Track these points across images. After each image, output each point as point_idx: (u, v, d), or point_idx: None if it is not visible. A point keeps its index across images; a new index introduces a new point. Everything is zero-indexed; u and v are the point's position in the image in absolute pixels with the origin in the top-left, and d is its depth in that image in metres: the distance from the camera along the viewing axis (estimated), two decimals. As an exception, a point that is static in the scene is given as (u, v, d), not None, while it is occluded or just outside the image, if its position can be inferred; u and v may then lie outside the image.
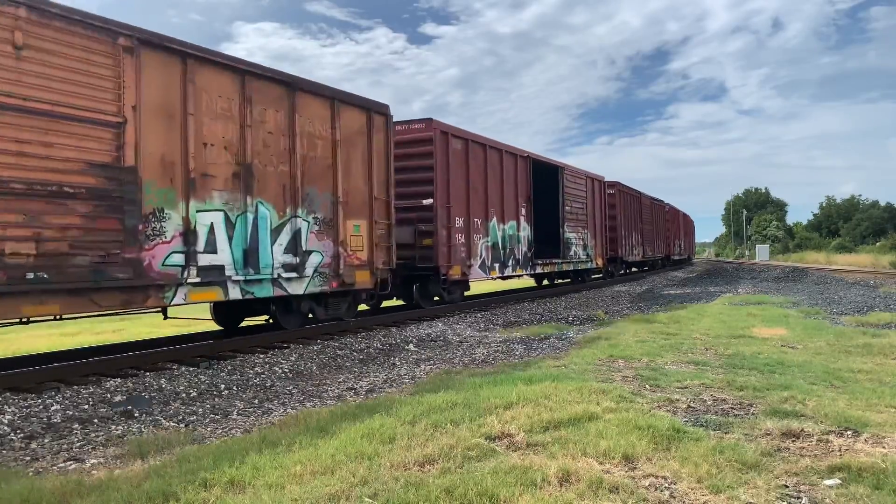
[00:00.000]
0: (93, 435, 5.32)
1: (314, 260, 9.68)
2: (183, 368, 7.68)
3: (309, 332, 10.26)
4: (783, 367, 7.10)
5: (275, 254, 8.96)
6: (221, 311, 10.25)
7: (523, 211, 17.32)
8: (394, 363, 8.57)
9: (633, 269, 32.27)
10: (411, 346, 9.84)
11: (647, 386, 6.20)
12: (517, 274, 17.30)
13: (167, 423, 5.69)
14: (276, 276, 8.94)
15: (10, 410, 5.80)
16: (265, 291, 8.84)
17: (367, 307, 13.39)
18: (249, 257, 8.54)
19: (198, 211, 7.89)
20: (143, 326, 10.12)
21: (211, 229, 8.06)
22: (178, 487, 3.64)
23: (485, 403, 5.34)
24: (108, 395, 6.49)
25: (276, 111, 9.07)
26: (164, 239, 7.50)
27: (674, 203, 44.69)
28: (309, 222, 9.59)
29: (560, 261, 19.65)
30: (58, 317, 6.93)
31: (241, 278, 8.41)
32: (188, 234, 7.75)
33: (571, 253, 20.40)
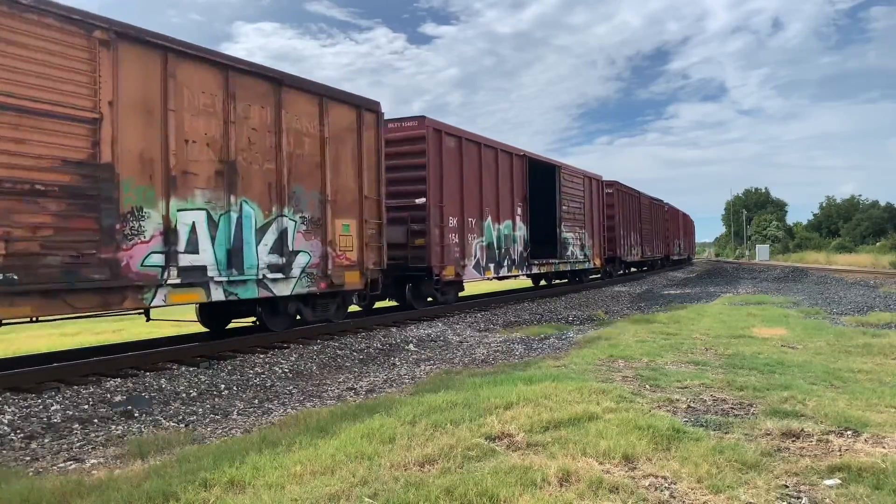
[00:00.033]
0: (93, 435, 5.32)
1: (301, 260, 9.47)
2: (183, 368, 7.68)
3: (309, 333, 10.26)
4: (783, 367, 7.10)
5: (260, 254, 8.74)
6: (207, 312, 10.06)
7: (519, 210, 17.13)
8: (394, 363, 8.57)
9: (633, 270, 32.15)
10: (411, 346, 9.84)
11: (647, 386, 6.20)
12: (513, 274, 17.08)
13: (167, 423, 5.69)
14: (261, 276, 8.71)
15: (10, 410, 5.80)
16: (250, 293, 8.62)
17: (360, 308, 13.28)
18: (233, 258, 8.32)
19: (179, 210, 7.68)
20: (143, 326, 10.09)
21: (193, 229, 7.84)
22: (178, 487, 3.64)
23: (485, 403, 5.34)
24: (108, 395, 6.49)
25: (261, 107, 8.86)
26: (142, 238, 7.28)
27: (674, 203, 44.74)
28: (296, 222, 9.37)
29: (557, 261, 19.46)
30: (34, 319, 6.77)
31: (225, 279, 8.19)
32: (168, 233, 7.53)
33: (568, 253, 20.19)
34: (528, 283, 23.27)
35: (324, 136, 9.87)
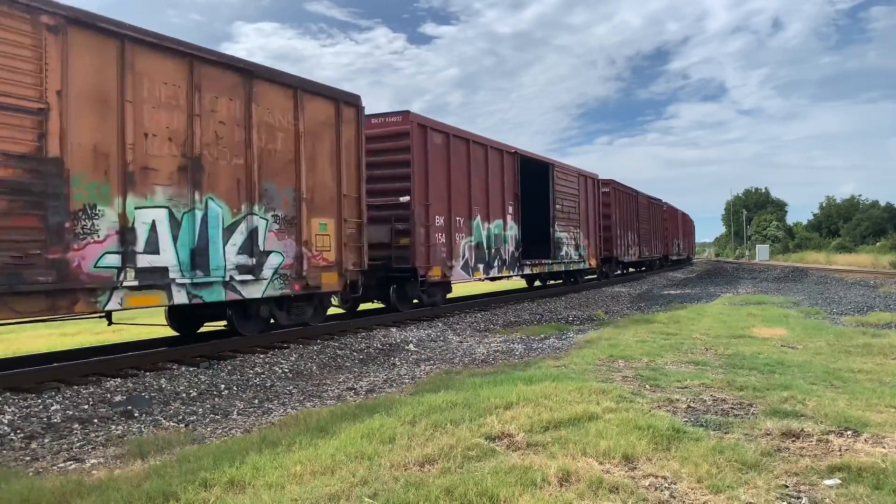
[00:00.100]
0: (93, 435, 5.32)
1: (273, 261, 8.99)
2: (183, 368, 7.68)
3: (309, 333, 10.26)
4: (783, 367, 7.10)
5: (227, 254, 8.27)
6: (176, 316, 9.69)
7: (510, 209, 16.65)
8: (394, 363, 8.57)
9: (630, 270, 31.99)
10: (411, 346, 9.84)
11: (647, 386, 6.20)
12: (503, 275, 16.64)
13: (167, 423, 5.69)
14: (228, 278, 8.25)
15: (10, 410, 5.80)
16: (216, 295, 8.15)
17: (343, 310, 12.96)
18: (197, 258, 7.86)
19: (137, 207, 7.22)
20: (143, 326, 10.07)
21: (153, 227, 7.39)
22: (178, 487, 3.64)
23: (485, 403, 5.34)
24: (108, 395, 6.49)
25: (229, 100, 8.39)
26: (96, 238, 6.82)
27: (674, 203, 44.73)
28: (267, 220, 8.90)
29: (550, 261, 19.03)
30: None
31: (188, 281, 7.74)
32: (125, 232, 7.08)
33: (563, 253, 19.78)
34: (523, 284, 22.95)
35: (299, 131, 9.43)
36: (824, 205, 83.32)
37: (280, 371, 7.95)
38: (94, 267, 6.82)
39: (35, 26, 6.36)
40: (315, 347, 9.30)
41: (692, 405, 5.42)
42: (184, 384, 7.05)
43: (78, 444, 5.08)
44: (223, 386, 7.13)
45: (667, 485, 3.58)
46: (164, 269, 7.52)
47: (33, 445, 5.08)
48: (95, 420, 5.77)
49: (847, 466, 3.79)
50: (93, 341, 11.32)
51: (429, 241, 12.93)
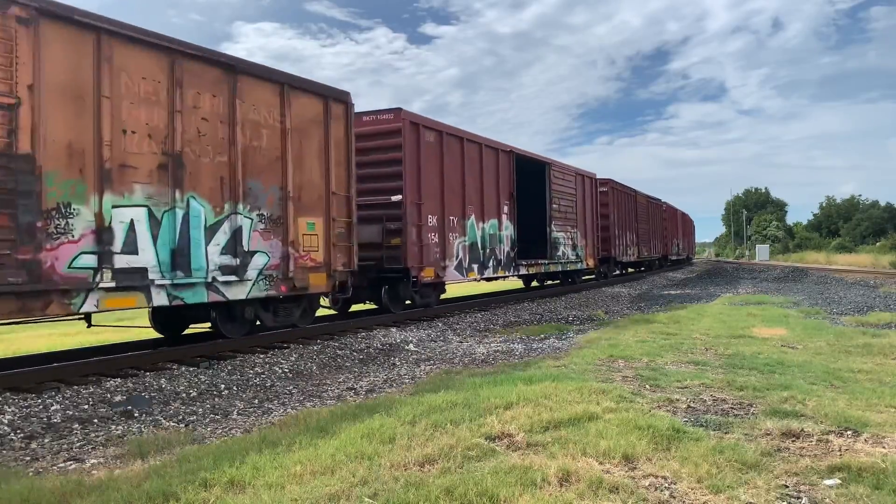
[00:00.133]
0: (93, 435, 5.32)
1: (258, 261, 8.74)
2: (183, 368, 7.68)
3: (309, 333, 10.26)
4: (783, 367, 7.10)
5: (210, 255, 8.03)
6: (160, 318, 9.41)
7: (505, 209, 16.41)
8: (394, 363, 8.57)
9: (630, 270, 31.85)
10: (411, 346, 9.85)
11: (647, 386, 6.20)
12: (499, 276, 16.36)
13: (167, 423, 5.69)
14: (210, 279, 8.00)
15: (10, 410, 5.80)
16: (198, 297, 7.91)
17: (335, 311, 12.74)
18: (178, 258, 7.63)
19: (114, 206, 6.97)
20: (143, 327, 10.02)
21: (131, 227, 7.15)
22: (178, 487, 3.64)
23: (485, 403, 5.34)
24: (108, 395, 6.49)
25: (212, 96, 8.16)
26: (70, 238, 6.57)
27: (674, 203, 44.72)
28: (252, 219, 8.65)
29: (547, 261, 18.79)
30: None
31: (168, 282, 7.50)
32: (102, 232, 6.83)
33: (559, 253, 19.50)
34: (520, 284, 22.64)
35: (285, 128, 9.18)
36: (824, 205, 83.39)
37: (280, 371, 7.95)
38: (69, 268, 6.58)
39: (4, 18, 6.13)
40: (315, 347, 9.30)
41: (692, 405, 5.42)
42: (184, 384, 7.05)
43: (78, 444, 5.08)
44: (223, 386, 7.13)
45: (667, 485, 3.58)
46: (143, 270, 7.30)
47: (33, 445, 5.08)
48: (95, 420, 5.77)
49: (847, 466, 3.79)
50: (93, 341, 11.31)
51: (421, 241, 12.70)
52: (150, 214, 7.41)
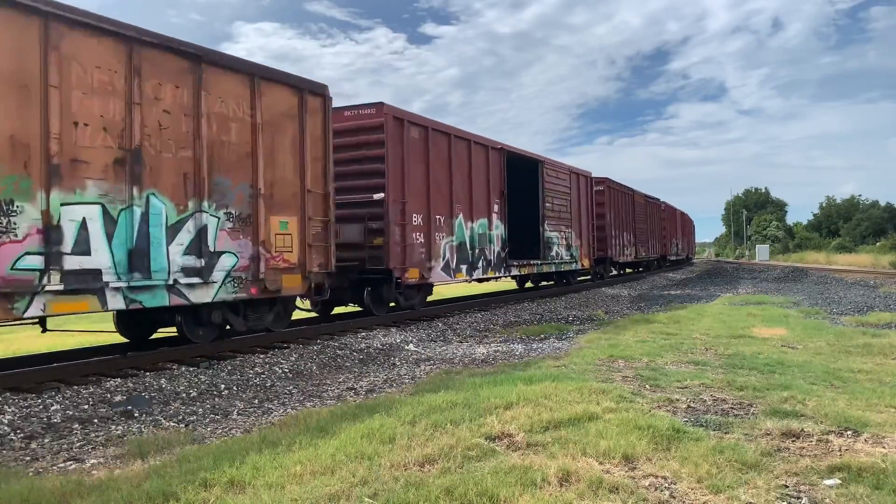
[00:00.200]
0: (93, 435, 5.32)
1: (226, 262, 8.29)
2: (183, 368, 7.68)
3: (309, 333, 10.26)
4: (783, 367, 7.10)
5: (172, 255, 7.61)
6: (126, 321, 8.94)
7: (496, 208, 15.93)
8: (394, 363, 8.57)
9: (628, 271, 31.63)
10: (411, 346, 9.85)
11: (647, 386, 6.20)
12: (489, 277, 15.96)
13: (167, 423, 5.69)
14: (172, 281, 7.59)
15: (10, 410, 5.80)
16: (158, 300, 7.48)
17: (315, 314, 12.21)
18: (136, 259, 7.20)
19: (64, 204, 6.55)
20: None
21: (83, 226, 6.72)
22: (178, 487, 3.64)
23: (485, 403, 5.34)
24: (108, 395, 6.49)
25: (175, 87, 7.73)
26: (13, 237, 6.17)
27: (674, 203, 44.72)
28: (219, 218, 8.21)
29: (539, 262, 18.36)
30: None
31: (124, 284, 7.06)
32: (49, 231, 6.42)
33: (553, 253, 19.10)
34: (514, 285, 22.24)
35: (256, 122, 8.73)
36: (824, 205, 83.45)
37: (280, 371, 7.95)
38: (11, 269, 6.18)
39: None
40: (315, 347, 9.30)
41: (692, 405, 5.42)
42: (184, 384, 7.05)
43: (78, 444, 5.08)
44: (223, 386, 7.13)
45: (667, 485, 3.58)
46: (97, 272, 6.86)
47: (33, 445, 5.08)
48: (95, 420, 5.77)
49: (847, 466, 3.79)
50: (93, 341, 11.32)
51: (405, 241, 12.24)
52: (105, 212, 6.97)
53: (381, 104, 12.13)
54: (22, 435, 5.30)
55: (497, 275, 16.30)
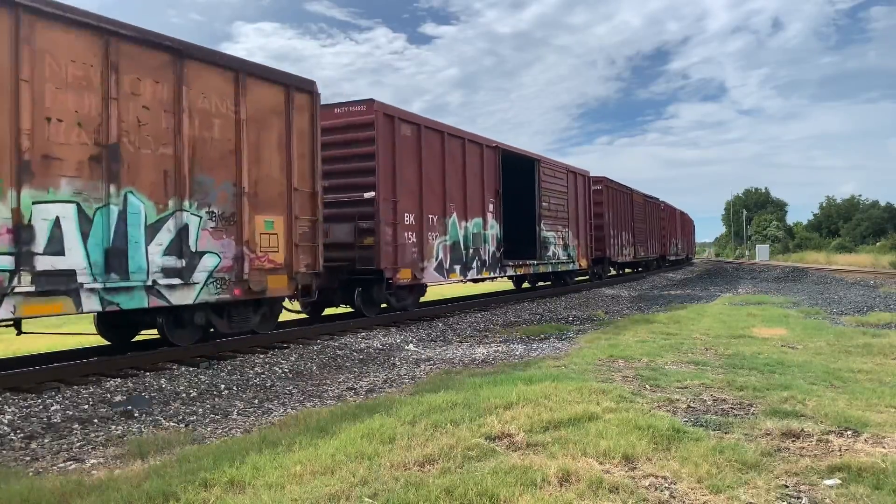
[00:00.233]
0: (93, 435, 5.32)
1: (208, 263, 8.06)
2: (183, 368, 7.68)
3: (309, 333, 10.26)
4: (783, 367, 7.11)
5: (151, 255, 7.39)
6: (107, 323, 8.69)
7: (491, 207, 15.62)
8: (394, 363, 8.57)
9: (627, 271, 31.49)
10: (411, 346, 9.85)
11: (647, 386, 6.20)
12: (483, 277, 15.68)
13: (167, 423, 5.69)
14: (151, 282, 7.37)
15: (10, 410, 5.80)
16: (136, 302, 7.25)
17: (305, 315, 12.09)
18: (113, 260, 6.97)
19: (35, 202, 6.35)
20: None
21: (56, 225, 6.50)
22: (178, 487, 3.64)
23: (485, 403, 5.34)
24: (108, 395, 6.49)
25: (155, 82, 7.51)
26: None
27: (674, 203, 44.71)
28: (201, 217, 7.99)
29: (536, 262, 18.04)
30: None
31: (100, 286, 6.82)
32: (20, 230, 6.21)
33: (549, 253, 18.78)
34: (511, 285, 22.03)
35: (240, 118, 8.51)
36: (824, 205, 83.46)
37: (280, 371, 7.95)
38: None
39: None
40: (315, 347, 9.30)
41: (692, 405, 5.42)
42: (184, 384, 7.05)
43: (78, 444, 5.08)
44: (223, 386, 7.13)
45: (667, 485, 3.58)
46: (71, 273, 6.62)
47: (33, 445, 5.08)
48: (95, 420, 5.77)
49: (847, 466, 3.79)
50: (93, 341, 11.31)
51: (396, 241, 11.98)
52: (80, 211, 6.74)
53: (371, 101, 11.88)
54: (22, 435, 5.30)
55: (492, 275, 16.04)
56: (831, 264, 42.93)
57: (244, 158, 8.59)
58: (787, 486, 3.56)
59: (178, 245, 7.74)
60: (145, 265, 7.37)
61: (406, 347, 9.78)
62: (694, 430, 4.55)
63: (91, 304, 6.84)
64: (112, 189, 7.03)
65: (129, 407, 6.13)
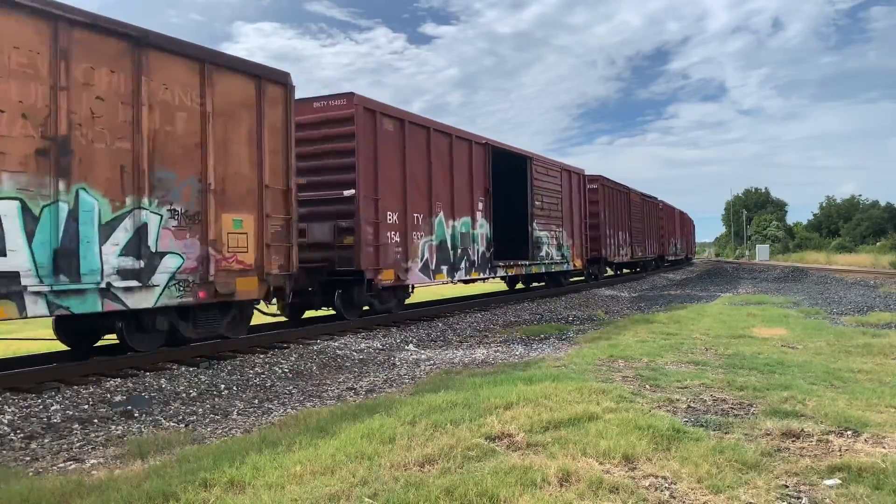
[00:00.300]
0: (93, 435, 5.32)
1: (169, 264, 7.60)
2: (183, 368, 7.68)
3: (309, 333, 10.26)
4: (783, 367, 7.10)
5: (105, 256, 6.91)
6: (65, 328, 8.28)
7: (480, 205, 15.13)
8: (394, 363, 8.57)
9: (625, 271, 31.26)
10: (411, 346, 9.85)
11: (647, 386, 6.20)
12: (472, 278, 15.22)
13: (167, 423, 5.69)
14: (105, 285, 6.89)
15: (10, 410, 5.80)
16: (89, 305, 6.77)
17: (285, 318, 11.61)
18: (62, 261, 6.49)
19: None
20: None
21: None
22: (178, 487, 3.64)
23: (485, 403, 5.34)
24: (108, 395, 6.49)
25: (111, 72, 7.02)
26: None
27: (674, 203, 44.68)
28: (161, 216, 7.53)
29: (528, 262, 17.55)
30: None
31: (48, 288, 6.34)
32: None
33: (542, 253, 18.33)
34: (503, 286, 21.64)
35: (206, 111, 8.06)
36: (824, 205, 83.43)
37: (280, 371, 7.95)
38: None
39: None
40: (315, 347, 9.31)
41: (692, 405, 5.42)
42: (184, 384, 7.05)
43: (78, 444, 5.08)
44: (223, 386, 7.13)
45: (667, 485, 3.58)
46: (14, 275, 6.15)
47: (33, 445, 5.08)
48: (95, 420, 5.77)
49: (847, 466, 3.79)
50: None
51: (378, 240, 11.47)
52: (24, 209, 6.25)
53: (351, 94, 11.39)
54: (22, 435, 5.30)
55: (482, 276, 15.57)
56: (831, 264, 42.93)
57: (210, 154, 8.12)
58: (787, 486, 3.56)
59: (137, 245, 7.28)
60: (99, 266, 6.89)
61: (406, 347, 9.78)
62: (694, 430, 4.55)
63: (37, 308, 6.34)
64: (61, 185, 6.56)
65: (129, 407, 6.14)
